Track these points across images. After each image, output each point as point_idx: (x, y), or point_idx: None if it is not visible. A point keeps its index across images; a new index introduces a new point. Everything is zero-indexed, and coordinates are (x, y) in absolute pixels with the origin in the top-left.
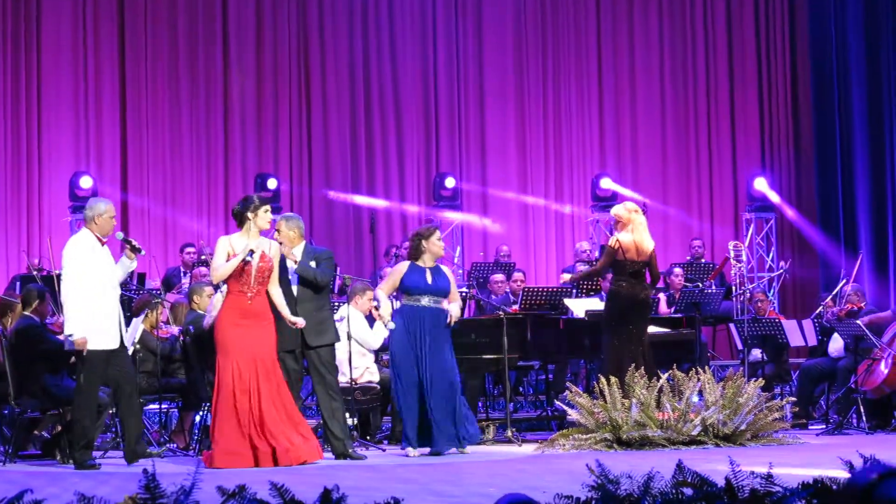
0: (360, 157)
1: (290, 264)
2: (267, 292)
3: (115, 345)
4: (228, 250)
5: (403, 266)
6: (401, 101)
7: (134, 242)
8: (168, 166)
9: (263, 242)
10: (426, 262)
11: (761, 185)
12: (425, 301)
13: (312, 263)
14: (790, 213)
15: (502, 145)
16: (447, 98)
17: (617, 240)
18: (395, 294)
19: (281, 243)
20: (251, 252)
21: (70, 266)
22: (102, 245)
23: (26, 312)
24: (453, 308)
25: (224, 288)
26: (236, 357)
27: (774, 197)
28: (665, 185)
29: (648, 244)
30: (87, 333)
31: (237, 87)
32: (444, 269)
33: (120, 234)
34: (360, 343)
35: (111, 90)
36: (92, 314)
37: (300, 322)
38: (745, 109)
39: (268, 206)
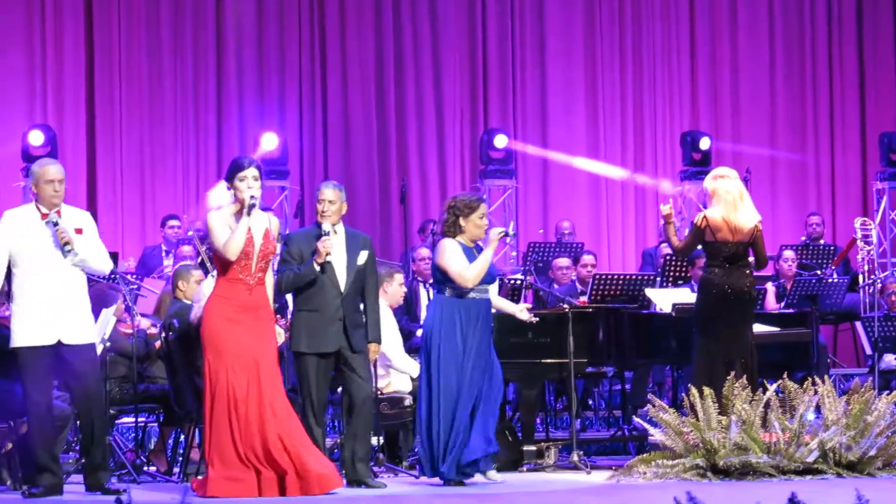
0: (389, 112)
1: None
2: None
3: (50, 341)
4: (229, 223)
5: (453, 244)
6: (440, 47)
7: (61, 234)
8: (146, 121)
9: (262, 218)
10: (466, 242)
11: None
12: (474, 293)
13: (363, 255)
14: None
15: (567, 99)
16: (497, 42)
17: (704, 217)
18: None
19: (322, 223)
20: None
21: None
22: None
23: None
24: (506, 304)
25: (213, 274)
26: (232, 360)
27: None
28: (773, 145)
29: (746, 221)
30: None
31: (232, 30)
32: None
33: (52, 217)
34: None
35: (74, 26)
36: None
37: None
38: (877, 42)
39: (246, 173)
